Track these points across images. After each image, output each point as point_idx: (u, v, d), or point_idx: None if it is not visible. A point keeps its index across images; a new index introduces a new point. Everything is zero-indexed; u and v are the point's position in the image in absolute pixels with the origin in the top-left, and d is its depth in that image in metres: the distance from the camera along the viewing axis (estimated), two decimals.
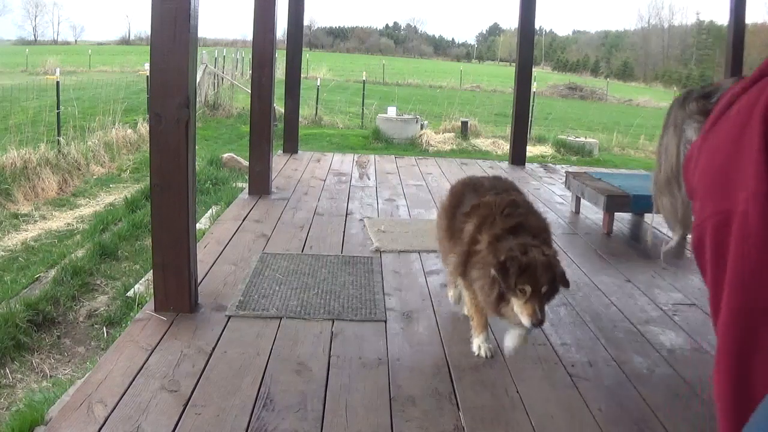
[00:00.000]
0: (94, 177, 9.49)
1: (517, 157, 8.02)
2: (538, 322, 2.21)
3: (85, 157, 9.80)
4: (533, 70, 8.35)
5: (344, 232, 4.57)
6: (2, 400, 3.52)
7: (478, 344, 2.72)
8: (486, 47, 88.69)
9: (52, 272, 5.17)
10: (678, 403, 2.41)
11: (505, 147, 11.99)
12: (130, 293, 4.66)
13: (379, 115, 14.19)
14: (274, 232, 4.47)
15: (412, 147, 12.85)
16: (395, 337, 2.88)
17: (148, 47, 2.87)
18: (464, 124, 14.35)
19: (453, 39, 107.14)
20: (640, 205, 4.74)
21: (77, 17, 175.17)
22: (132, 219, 6.65)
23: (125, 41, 74.92)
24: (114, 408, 2.21)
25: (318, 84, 16.45)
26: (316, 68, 29.63)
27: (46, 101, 11.34)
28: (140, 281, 4.87)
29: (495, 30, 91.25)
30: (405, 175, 7.01)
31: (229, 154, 10.04)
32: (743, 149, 0.95)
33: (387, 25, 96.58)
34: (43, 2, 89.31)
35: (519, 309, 2.25)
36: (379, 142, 13.18)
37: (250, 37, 5.44)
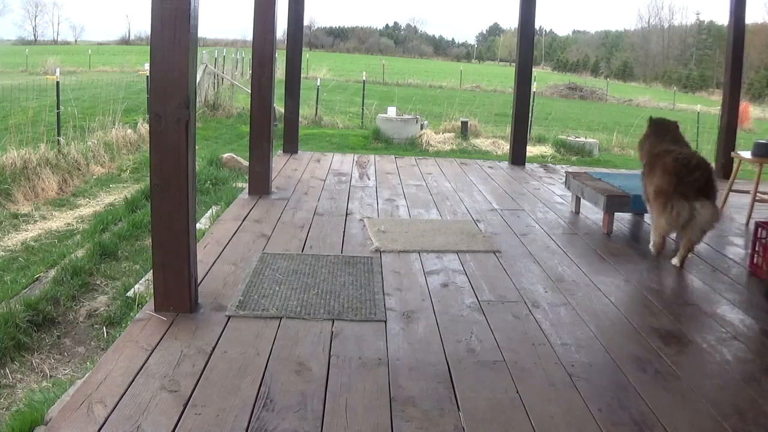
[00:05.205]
0: (94, 177, 9.48)
1: (517, 157, 8.03)
2: None
3: (85, 157, 9.79)
4: (533, 70, 8.35)
5: (344, 232, 4.57)
6: (2, 400, 3.52)
7: None
8: (486, 47, 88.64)
9: (52, 272, 5.17)
10: (678, 403, 2.41)
11: (505, 147, 12.00)
12: (130, 293, 4.66)
13: (379, 115, 14.19)
14: (274, 232, 4.47)
15: (412, 147, 12.85)
16: (395, 337, 2.88)
17: (148, 47, 2.87)
18: (464, 124, 14.35)
19: (453, 39, 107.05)
20: (640, 205, 4.73)
21: (77, 17, 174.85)
22: (132, 219, 6.64)
23: (125, 41, 74.83)
24: (114, 408, 2.21)
25: (318, 84, 16.45)
26: (316, 68, 29.64)
27: (46, 101, 11.34)
28: (140, 281, 4.87)
29: (495, 30, 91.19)
30: (405, 175, 7.01)
31: (229, 154, 10.04)
32: None
33: (387, 25, 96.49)
34: (43, 2, 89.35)
35: None
36: (379, 142, 13.18)
37: (250, 37, 5.45)
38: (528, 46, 7.80)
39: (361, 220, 4.93)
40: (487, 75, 38.68)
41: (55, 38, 77.47)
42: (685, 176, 3.89)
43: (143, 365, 2.51)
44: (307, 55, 24.27)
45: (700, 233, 3.99)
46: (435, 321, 3.08)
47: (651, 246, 4.29)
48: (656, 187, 4.05)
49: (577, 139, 13.62)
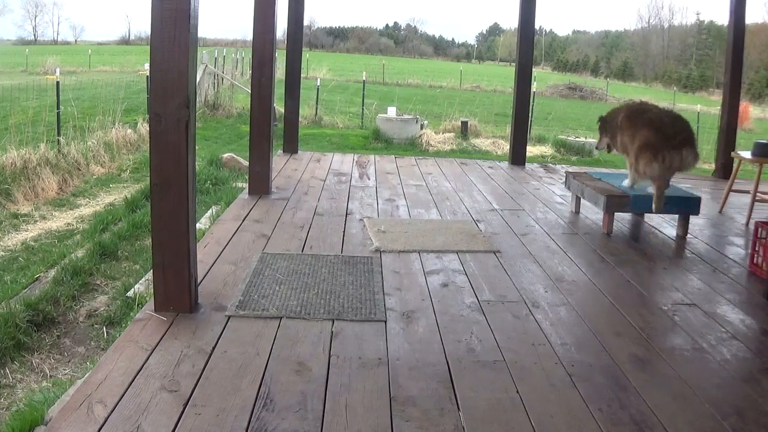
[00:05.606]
0: (94, 177, 9.49)
1: (517, 157, 8.03)
2: None
3: (85, 157, 9.80)
4: (533, 70, 8.35)
5: (344, 232, 4.57)
6: (2, 400, 3.52)
7: None
8: (486, 47, 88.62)
9: (52, 272, 5.17)
10: (678, 403, 2.41)
11: (505, 147, 12.00)
12: (130, 293, 4.66)
13: (379, 115, 14.19)
14: (274, 232, 4.47)
15: (412, 147, 12.86)
16: (395, 337, 2.88)
17: (148, 47, 2.86)
18: (464, 124, 14.36)
19: (453, 39, 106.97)
20: (640, 205, 4.74)
21: (77, 17, 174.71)
22: (132, 219, 6.65)
23: (125, 41, 74.82)
24: (114, 408, 2.21)
25: (318, 84, 16.45)
26: (316, 68, 29.65)
27: (46, 101, 11.34)
28: (140, 281, 4.87)
29: (495, 30, 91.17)
30: (405, 175, 7.01)
31: (229, 154, 10.04)
32: None
33: (387, 25, 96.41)
34: (43, 2, 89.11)
35: None
36: (379, 142, 13.18)
37: (250, 37, 5.45)
38: (528, 46, 7.80)
39: (361, 220, 4.93)
40: (487, 75, 38.70)
41: (55, 38, 77.48)
42: (670, 130, 4.59)
43: (143, 365, 2.51)
44: (307, 55, 24.28)
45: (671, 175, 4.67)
46: (435, 321, 3.08)
47: (626, 182, 4.92)
48: (644, 141, 4.62)
49: (577, 139, 13.62)
